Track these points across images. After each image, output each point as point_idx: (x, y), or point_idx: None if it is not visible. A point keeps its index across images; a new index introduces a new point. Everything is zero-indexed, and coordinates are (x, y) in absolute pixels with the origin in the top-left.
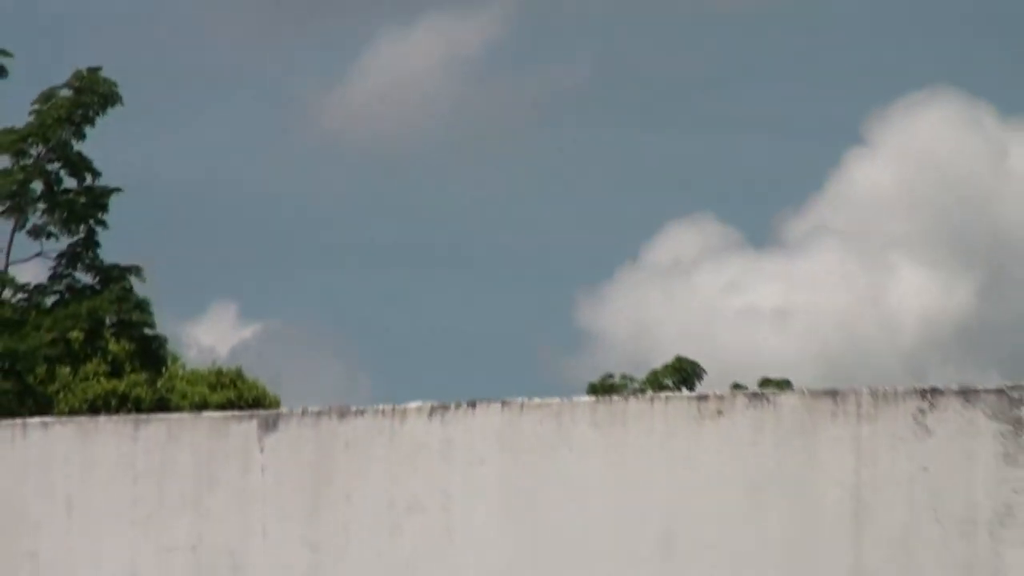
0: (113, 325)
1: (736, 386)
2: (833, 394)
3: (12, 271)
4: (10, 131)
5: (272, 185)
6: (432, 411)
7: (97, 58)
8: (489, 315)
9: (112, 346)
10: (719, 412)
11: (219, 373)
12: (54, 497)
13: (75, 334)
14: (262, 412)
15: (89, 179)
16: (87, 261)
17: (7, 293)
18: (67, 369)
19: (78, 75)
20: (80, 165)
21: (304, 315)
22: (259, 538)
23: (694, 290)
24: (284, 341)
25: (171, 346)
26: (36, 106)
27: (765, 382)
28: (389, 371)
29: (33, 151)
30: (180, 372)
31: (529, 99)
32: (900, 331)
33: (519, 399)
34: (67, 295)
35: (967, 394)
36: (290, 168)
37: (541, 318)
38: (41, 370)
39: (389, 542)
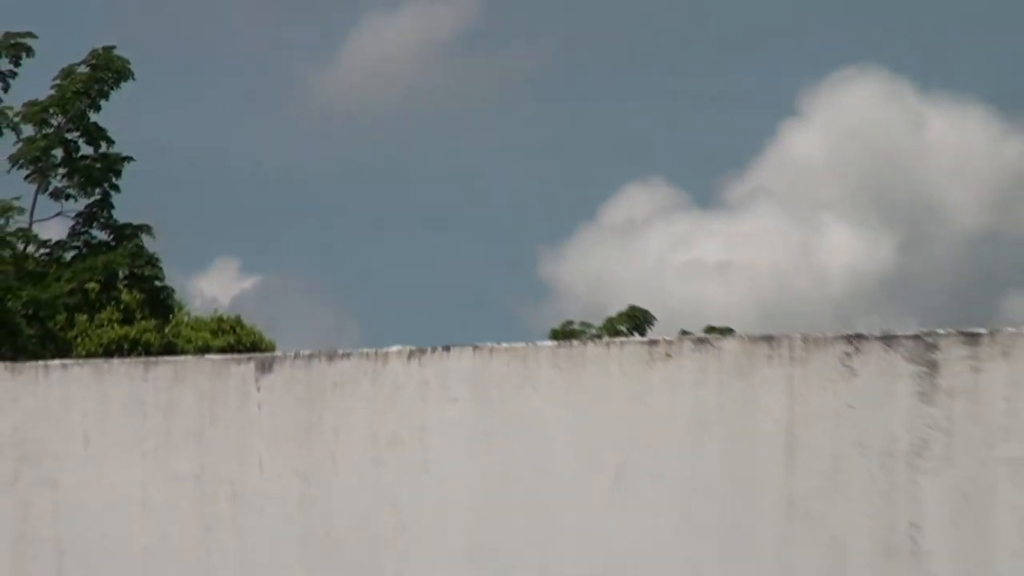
0: (126, 277)
1: (683, 332)
2: (769, 339)
3: (35, 229)
4: (34, 103)
5: (269, 153)
6: (411, 354)
7: (109, 35)
8: (463, 269)
9: (125, 296)
10: (667, 355)
11: (220, 320)
12: (72, 432)
13: (91, 285)
14: (259, 355)
15: (104, 147)
16: (102, 220)
17: (31, 248)
18: (84, 317)
19: (95, 53)
20: (96, 134)
21: (297, 269)
22: (255, 469)
23: (645, 246)
24: (279, 292)
25: (178, 296)
26: (57, 81)
27: (709, 328)
28: (374, 319)
29: (54, 121)
30: (185, 320)
31: (498, 76)
32: (829, 283)
33: (488, 344)
34: (84, 250)
35: (888, 339)
36: (285, 137)
37: (509, 271)
38: (61, 318)
39: (372, 472)
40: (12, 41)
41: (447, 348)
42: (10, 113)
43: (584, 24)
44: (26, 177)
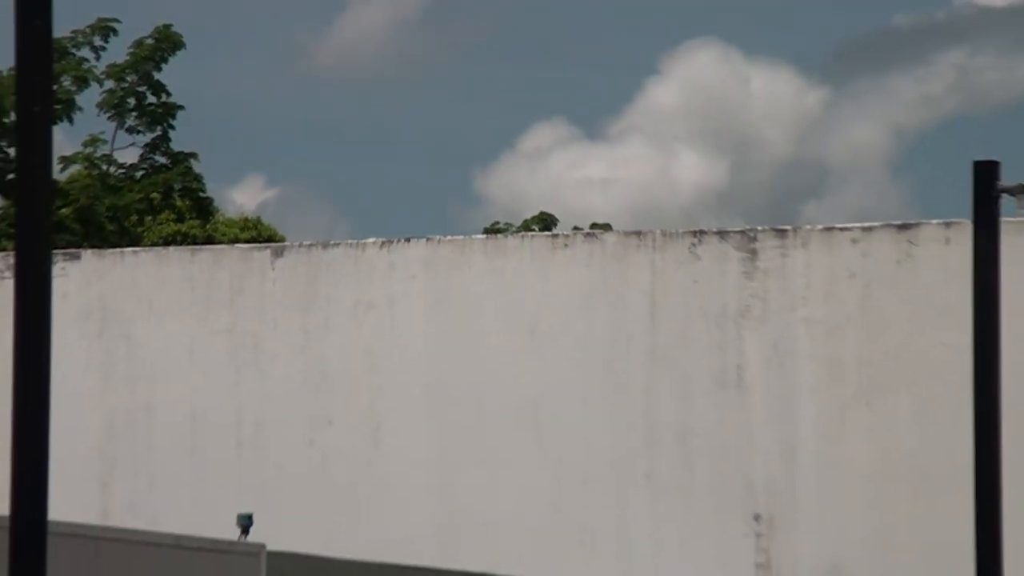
0: (179, 190)
1: (576, 229)
2: (638, 234)
3: (115, 155)
4: (115, 65)
5: (283, 97)
6: (382, 244)
7: (164, 13)
8: (421, 183)
9: (178, 203)
10: (565, 245)
11: (246, 220)
12: (140, 299)
13: (154, 195)
14: (273, 244)
15: (163, 97)
16: (162, 149)
17: (112, 168)
18: (149, 218)
19: (158, 29)
20: (158, 88)
21: (304, 183)
22: (271, 326)
23: (549, 168)
24: (291, 200)
25: (216, 203)
26: (131, 49)
27: (594, 226)
28: (358, 217)
29: (129, 78)
30: (221, 220)
31: (449, 44)
32: (680, 194)
33: (437, 236)
34: (149, 171)
35: (721, 234)
36: (293, 85)
37: (453, 185)
38: (133, 218)
39: (354, 329)
40: (103, 24)
41: (407, 239)
42: (97, 72)
43: (513, 6)
44: (109, 118)
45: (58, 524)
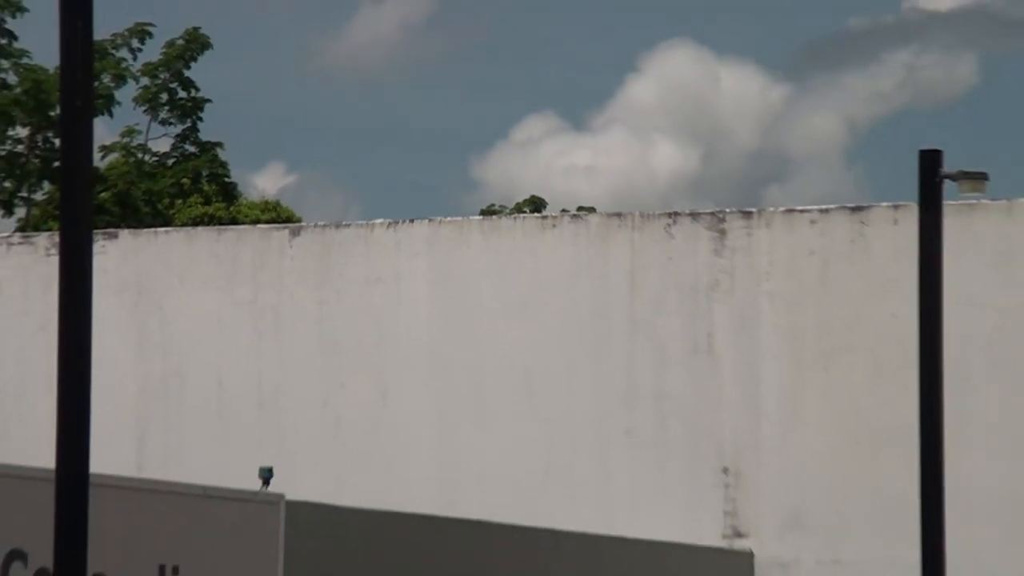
0: (207, 175)
1: (563, 211)
2: (619, 215)
3: (150, 144)
4: (150, 64)
5: (301, 92)
6: (389, 225)
7: (193, 11)
8: (425, 169)
9: (205, 187)
10: (553, 225)
11: (267, 203)
12: (171, 274)
13: (185, 181)
14: (291, 225)
15: (193, 92)
16: (192, 139)
17: (146, 157)
18: (180, 201)
19: (187, 31)
20: (188, 84)
21: (321, 169)
22: (289, 297)
23: (540, 156)
24: (308, 185)
25: (240, 188)
26: (164, 50)
27: (580, 208)
28: (367, 200)
29: (162, 76)
30: (244, 202)
31: (452, 45)
32: (657, 180)
33: (439, 217)
34: (180, 158)
35: (694, 215)
36: (310, 81)
37: (453, 171)
38: (165, 201)
39: (364, 301)
40: (139, 28)
41: (412, 220)
42: (133, 70)
43: (507, 12)
44: (144, 111)
45: (98, 476)
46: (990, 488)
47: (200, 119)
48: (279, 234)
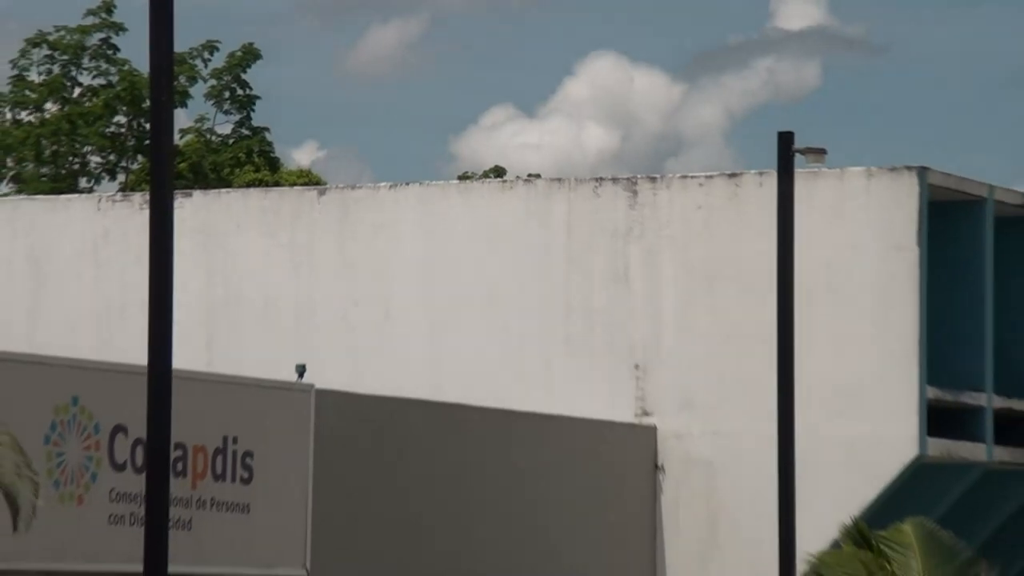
0: (257, 151)
1: (518, 177)
2: (559, 180)
3: (216, 128)
4: (216, 69)
5: (329, 87)
6: (391, 186)
7: (249, 27)
8: (416, 145)
9: (256, 160)
10: (511, 187)
11: (302, 171)
12: (231, 223)
13: (241, 155)
14: (318, 187)
15: (247, 90)
16: (246, 124)
17: (213, 137)
18: (237, 169)
19: (244, 45)
20: (243, 84)
21: (344, 147)
22: (318, 238)
23: (501, 135)
24: (334, 157)
25: (282, 160)
26: (226, 59)
27: (530, 174)
28: (376, 168)
29: (224, 78)
30: (285, 171)
31: (438, 52)
32: (588, 154)
33: (427, 181)
34: (238, 139)
35: (614, 180)
36: (335, 78)
37: (436, 146)
38: (227, 170)
39: (374, 245)
40: (208, 44)
41: (407, 183)
42: (204, 73)
43: (478, 31)
44: (211, 104)
45: (178, 370)
46: (825, 376)
47: (252, 110)
48: (310, 193)
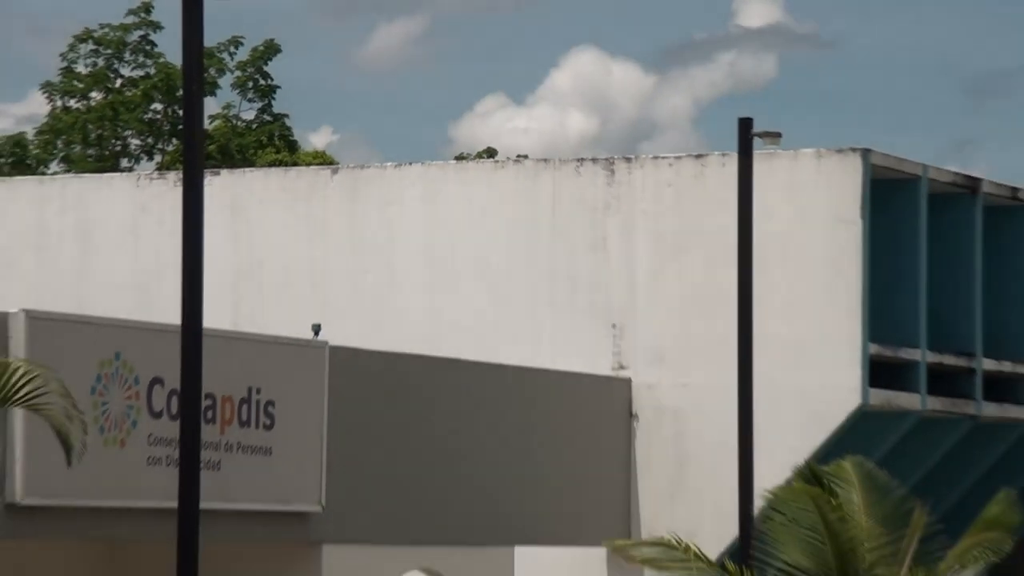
0: (278, 135)
1: (508, 157)
2: (545, 160)
3: (241, 115)
4: (241, 61)
5: (342, 77)
6: (396, 165)
7: (271, 23)
8: (419, 130)
9: (277, 143)
10: (503, 167)
11: (317, 152)
12: (253, 197)
13: (263, 138)
14: (332, 166)
15: (269, 80)
16: (268, 111)
17: (239, 123)
18: (260, 151)
19: (265, 41)
20: (265, 75)
21: (355, 131)
22: (332, 213)
23: (494, 122)
24: (347, 141)
25: (300, 143)
26: (250, 53)
27: (519, 155)
28: (385, 149)
29: (248, 69)
30: (302, 153)
31: (439, 49)
32: (571, 137)
33: (428, 161)
34: (260, 123)
35: (594, 160)
36: (347, 71)
37: (437, 131)
38: (251, 151)
39: (382, 214)
40: (234, 39)
41: (411, 163)
42: (230, 65)
43: (474, 30)
44: (237, 93)
45: (208, 329)
46: (779, 334)
47: (273, 98)
48: (324, 172)
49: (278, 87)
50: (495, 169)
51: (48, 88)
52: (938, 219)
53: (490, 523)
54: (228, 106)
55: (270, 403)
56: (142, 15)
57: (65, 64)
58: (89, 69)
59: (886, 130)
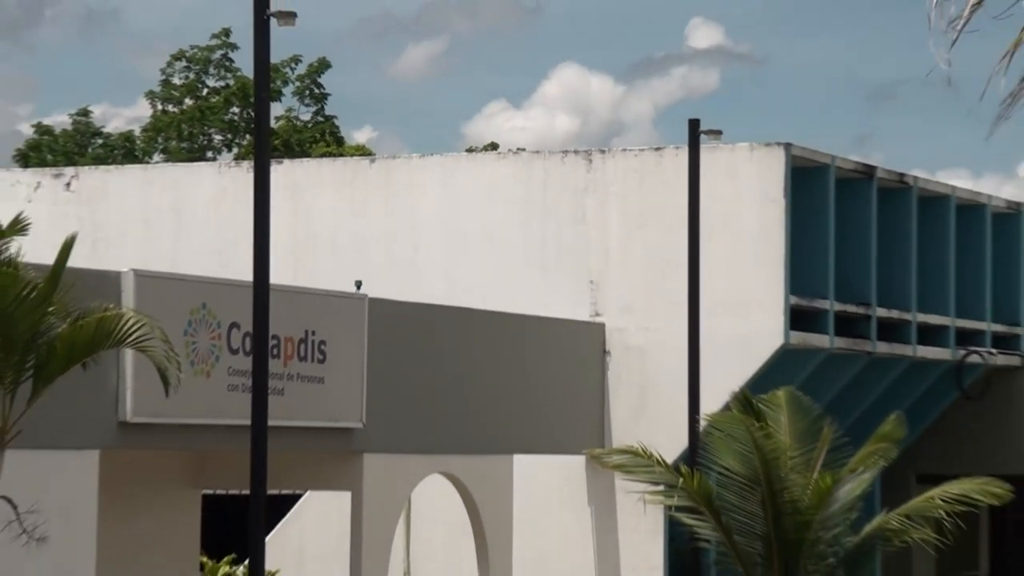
0: (328, 133)
1: (508, 150)
2: (538, 152)
3: (299, 116)
4: (300, 75)
5: (378, 87)
6: (420, 156)
7: (320, 42)
8: (436, 127)
9: (327, 138)
10: (504, 158)
11: (359, 146)
12: (309, 179)
13: (316, 135)
14: (370, 157)
15: (321, 89)
16: (320, 114)
17: (297, 122)
18: (313, 144)
19: (319, 58)
20: (319, 85)
21: (390, 129)
22: (370, 192)
23: (496, 122)
24: (383, 136)
25: (346, 138)
26: (307, 68)
27: (518, 148)
28: (411, 143)
29: (306, 81)
30: (347, 146)
31: (452, 58)
32: (557, 135)
33: (447, 153)
34: (314, 123)
35: (576, 152)
36: (382, 79)
37: (449, 129)
38: (308, 146)
39: (407, 195)
40: (294, 57)
41: (432, 154)
42: (291, 76)
43: (481, 43)
44: (297, 100)
45: (274, 284)
46: (721, 289)
47: (325, 103)
48: (364, 162)
49: (329, 95)
50: (498, 159)
51: (151, 96)
52: (843, 198)
53: (494, 436)
54: (290, 110)
55: (323, 343)
56: (223, 38)
57: (164, 77)
58: (182, 81)
59: (803, 128)
